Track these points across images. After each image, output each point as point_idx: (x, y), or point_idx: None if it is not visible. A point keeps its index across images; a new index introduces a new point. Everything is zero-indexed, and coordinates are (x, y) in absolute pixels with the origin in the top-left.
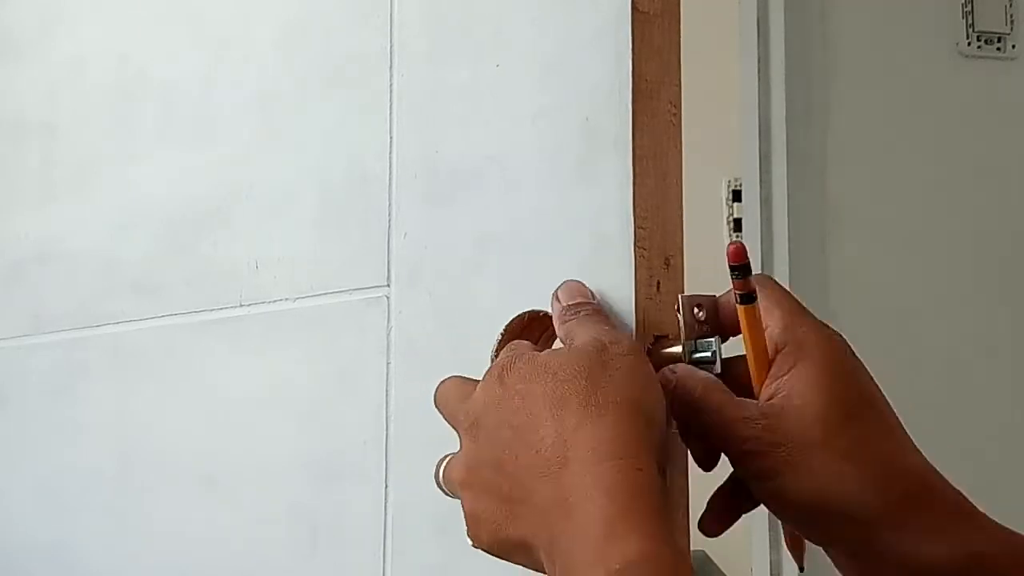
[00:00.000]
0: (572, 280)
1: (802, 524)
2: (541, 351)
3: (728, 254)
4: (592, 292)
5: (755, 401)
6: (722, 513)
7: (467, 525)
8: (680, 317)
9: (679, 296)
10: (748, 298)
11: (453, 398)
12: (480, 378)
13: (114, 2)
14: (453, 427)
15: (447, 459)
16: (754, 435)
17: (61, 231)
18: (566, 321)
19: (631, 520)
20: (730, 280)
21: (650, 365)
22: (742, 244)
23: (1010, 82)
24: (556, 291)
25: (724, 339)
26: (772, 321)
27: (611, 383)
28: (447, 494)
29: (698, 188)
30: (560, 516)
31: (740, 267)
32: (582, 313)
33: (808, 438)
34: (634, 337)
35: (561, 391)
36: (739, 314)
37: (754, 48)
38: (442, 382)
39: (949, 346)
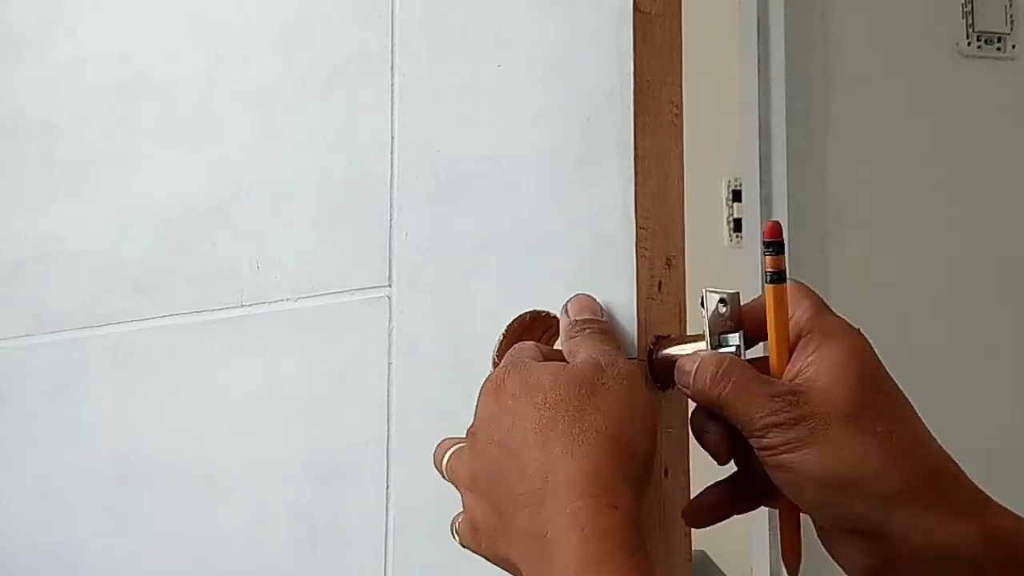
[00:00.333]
0: (583, 294)
1: (822, 502)
2: (543, 350)
3: (764, 230)
4: (602, 308)
5: (780, 380)
6: (715, 507)
7: (466, 526)
8: (704, 311)
9: (703, 289)
10: (779, 277)
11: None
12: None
13: (114, 2)
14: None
15: (454, 447)
16: (781, 407)
17: (61, 231)
18: (571, 337)
19: (604, 561)
20: (761, 258)
21: (644, 390)
22: (778, 222)
23: (1010, 82)
24: (566, 304)
25: (747, 345)
26: (799, 310)
27: (599, 411)
28: (443, 477)
29: (698, 188)
30: (538, 548)
31: (775, 244)
32: (587, 331)
33: (834, 414)
34: (636, 337)
35: (549, 416)
36: (767, 293)
37: (754, 48)
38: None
39: (949, 346)
